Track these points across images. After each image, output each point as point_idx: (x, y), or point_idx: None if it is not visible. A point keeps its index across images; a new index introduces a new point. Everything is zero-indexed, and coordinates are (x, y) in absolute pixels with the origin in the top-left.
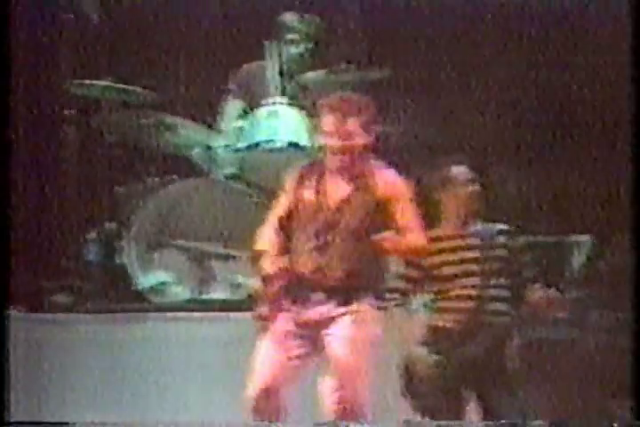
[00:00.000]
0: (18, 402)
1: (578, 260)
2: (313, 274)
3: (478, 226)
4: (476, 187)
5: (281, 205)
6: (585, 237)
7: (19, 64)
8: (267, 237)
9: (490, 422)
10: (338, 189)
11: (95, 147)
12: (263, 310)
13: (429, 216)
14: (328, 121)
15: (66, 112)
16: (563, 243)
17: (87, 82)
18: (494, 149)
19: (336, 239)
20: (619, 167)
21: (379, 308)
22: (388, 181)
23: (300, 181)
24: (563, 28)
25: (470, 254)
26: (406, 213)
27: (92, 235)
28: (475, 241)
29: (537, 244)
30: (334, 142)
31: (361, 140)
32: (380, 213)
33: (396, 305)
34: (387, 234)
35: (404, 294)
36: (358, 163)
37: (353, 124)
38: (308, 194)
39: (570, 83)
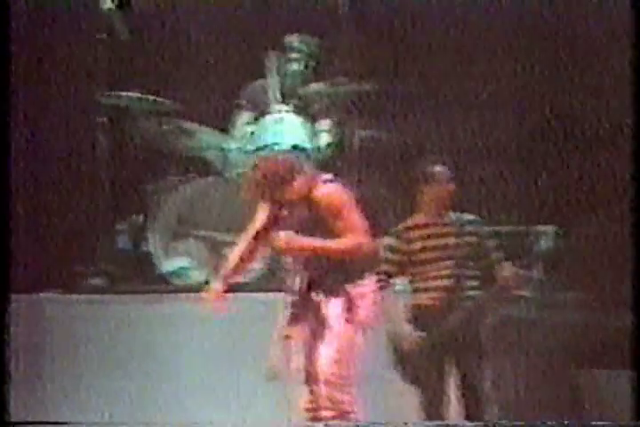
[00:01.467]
0: (56, 373)
1: (543, 246)
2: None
3: (452, 216)
4: (452, 184)
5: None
6: (549, 227)
7: (58, 78)
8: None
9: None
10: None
11: (124, 150)
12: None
13: (411, 208)
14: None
15: (98, 120)
16: (529, 232)
17: (117, 93)
18: (471, 150)
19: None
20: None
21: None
22: (325, 193)
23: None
24: (556, 26)
25: (445, 241)
26: (343, 219)
27: (122, 226)
28: (449, 229)
29: (505, 232)
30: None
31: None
32: (323, 221)
33: (381, 288)
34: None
35: (390, 276)
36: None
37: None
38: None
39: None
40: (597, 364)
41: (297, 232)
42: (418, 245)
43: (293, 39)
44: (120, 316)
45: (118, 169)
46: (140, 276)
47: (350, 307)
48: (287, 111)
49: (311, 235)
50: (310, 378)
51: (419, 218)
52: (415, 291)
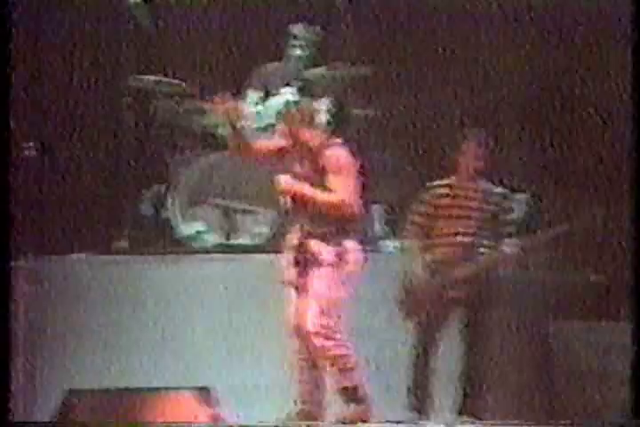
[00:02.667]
0: (83, 326)
1: (518, 213)
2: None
3: (483, 184)
4: (484, 148)
5: None
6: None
7: (90, 64)
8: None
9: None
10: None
11: (148, 127)
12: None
13: (445, 169)
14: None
15: (125, 100)
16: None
17: (141, 77)
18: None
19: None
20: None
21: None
22: (335, 153)
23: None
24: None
25: (470, 203)
26: (339, 178)
27: (146, 195)
28: (476, 195)
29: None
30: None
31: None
32: (323, 177)
33: (372, 251)
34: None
35: (382, 239)
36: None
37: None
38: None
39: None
40: (567, 316)
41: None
42: (446, 200)
43: (297, 28)
44: (141, 275)
45: (142, 144)
46: (160, 239)
47: (341, 257)
48: (290, 93)
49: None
50: (300, 330)
51: (453, 179)
52: (434, 246)
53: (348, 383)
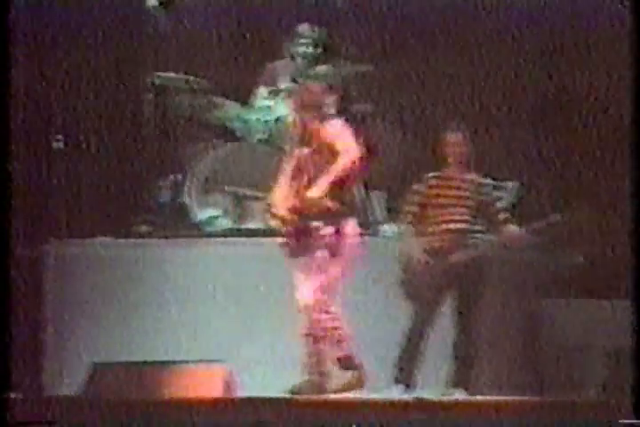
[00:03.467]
0: (106, 304)
1: (508, 199)
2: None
3: (473, 175)
4: (470, 145)
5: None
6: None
7: (114, 62)
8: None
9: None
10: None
11: (166, 120)
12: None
13: (438, 162)
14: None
15: (146, 96)
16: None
17: (159, 74)
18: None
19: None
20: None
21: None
22: (332, 123)
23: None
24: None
25: (461, 193)
26: (341, 142)
27: (164, 183)
28: (467, 185)
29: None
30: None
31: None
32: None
33: (372, 235)
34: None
35: (381, 223)
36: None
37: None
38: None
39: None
40: (550, 294)
41: (314, 173)
42: (437, 191)
43: (304, 28)
44: (160, 256)
45: (161, 136)
46: (178, 224)
47: (339, 237)
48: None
49: (321, 170)
50: (302, 305)
51: (446, 171)
52: (430, 234)
53: (341, 353)
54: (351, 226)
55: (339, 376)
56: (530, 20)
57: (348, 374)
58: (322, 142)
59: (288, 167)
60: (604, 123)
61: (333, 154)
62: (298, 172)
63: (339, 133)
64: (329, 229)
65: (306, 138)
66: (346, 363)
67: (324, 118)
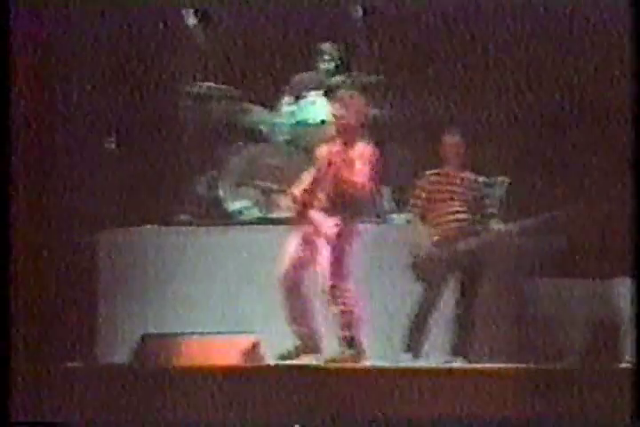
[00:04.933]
0: (153, 286)
1: (499, 192)
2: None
3: (468, 174)
4: (463, 141)
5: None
6: (503, 178)
7: (158, 73)
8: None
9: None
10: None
11: (203, 124)
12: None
13: (437, 161)
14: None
15: (188, 102)
16: (490, 182)
17: (197, 83)
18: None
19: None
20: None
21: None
22: (359, 148)
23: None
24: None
25: (456, 188)
26: (361, 167)
27: (202, 178)
28: (462, 182)
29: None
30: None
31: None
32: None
33: (382, 223)
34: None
35: (390, 213)
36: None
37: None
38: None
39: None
40: (539, 274)
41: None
42: (438, 186)
43: (324, 45)
44: (198, 242)
45: (199, 138)
46: (213, 213)
47: (340, 228)
48: (318, 96)
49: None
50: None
51: (444, 169)
52: (433, 224)
53: (347, 334)
54: (351, 218)
55: (336, 351)
56: (522, 27)
57: (347, 352)
58: (347, 156)
59: (315, 165)
60: (593, 124)
61: (351, 169)
62: (322, 169)
63: (364, 158)
64: (329, 220)
65: (337, 138)
66: (349, 343)
67: (354, 138)
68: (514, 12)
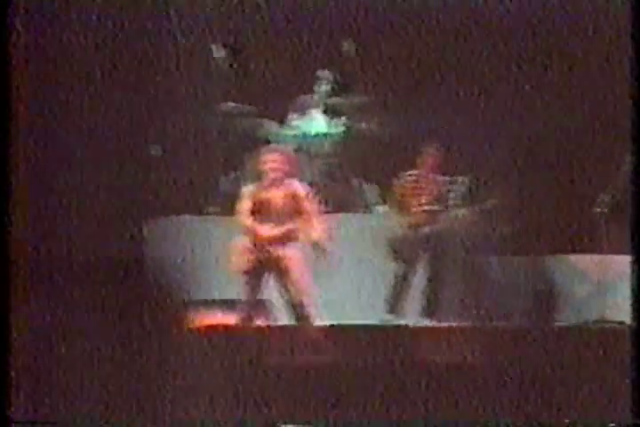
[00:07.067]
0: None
1: (459, 190)
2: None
3: (437, 176)
4: (438, 152)
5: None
6: (462, 177)
7: (194, 96)
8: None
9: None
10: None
11: (229, 134)
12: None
13: (414, 165)
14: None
15: (214, 119)
16: (452, 180)
17: (224, 103)
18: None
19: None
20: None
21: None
22: (293, 188)
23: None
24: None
25: (426, 186)
26: (307, 206)
27: (227, 177)
28: (432, 181)
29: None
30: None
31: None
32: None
33: (367, 213)
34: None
35: (374, 205)
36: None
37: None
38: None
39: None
40: (495, 252)
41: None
42: (413, 184)
43: (322, 73)
44: (223, 229)
45: (225, 145)
46: (235, 206)
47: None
48: (318, 113)
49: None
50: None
51: (418, 171)
52: (408, 214)
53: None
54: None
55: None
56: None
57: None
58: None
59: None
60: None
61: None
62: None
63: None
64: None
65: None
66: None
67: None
68: (493, 45)
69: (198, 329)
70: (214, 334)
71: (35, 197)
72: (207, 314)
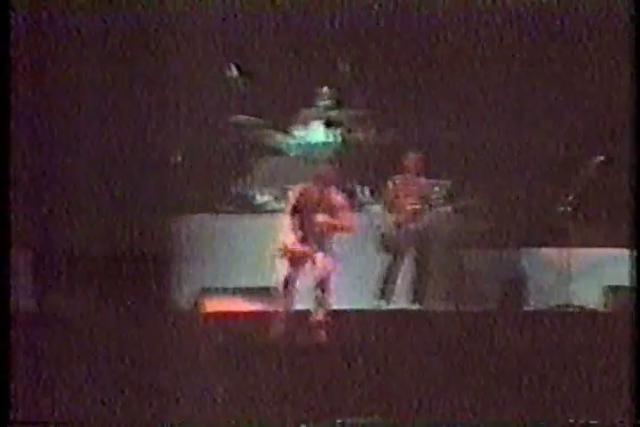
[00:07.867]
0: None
1: (443, 190)
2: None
3: (421, 178)
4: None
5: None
6: (446, 182)
7: (210, 109)
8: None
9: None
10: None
11: (241, 143)
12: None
13: (402, 169)
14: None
15: (227, 129)
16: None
17: (235, 115)
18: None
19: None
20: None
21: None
22: (334, 196)
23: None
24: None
25: (412, 187)
26: (339, 208)
27: (239, 180)
28: (416, 183)
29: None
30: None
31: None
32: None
33: (362, 212)
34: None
35: (368, 204)
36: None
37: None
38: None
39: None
40: (472, 246)
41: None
42: (401, 186)
43: (323, 90)
44: (236, 224)
45: (234, 153)
46: (246, 205)
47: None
48: (320, 125)
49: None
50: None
51: (404, 175)
52: (397, 212)
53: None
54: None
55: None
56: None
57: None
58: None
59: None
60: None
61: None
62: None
63: (343, 205)
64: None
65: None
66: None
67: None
68: (469, 63)
69: (214, 314)
70: (227, 320)
71: (77, 204)
72: (222, 300)
